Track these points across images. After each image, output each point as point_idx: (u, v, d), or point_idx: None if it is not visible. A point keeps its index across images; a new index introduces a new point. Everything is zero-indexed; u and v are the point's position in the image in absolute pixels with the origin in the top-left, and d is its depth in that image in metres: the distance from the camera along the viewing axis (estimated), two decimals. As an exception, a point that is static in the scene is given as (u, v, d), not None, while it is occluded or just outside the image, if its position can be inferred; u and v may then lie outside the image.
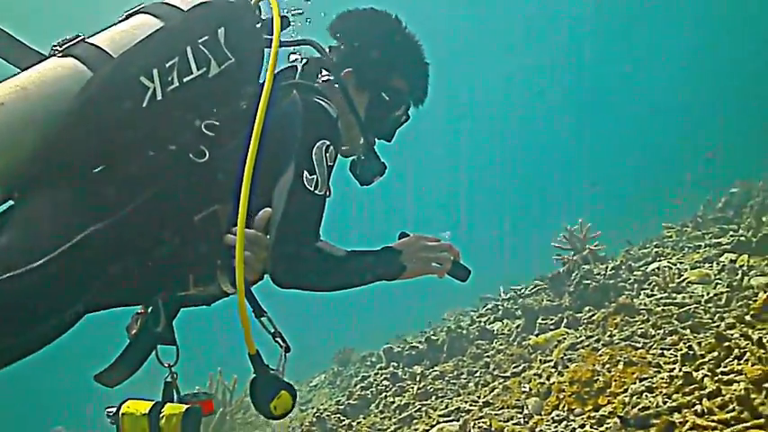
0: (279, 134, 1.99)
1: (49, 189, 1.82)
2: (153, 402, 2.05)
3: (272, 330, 2.03)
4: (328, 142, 2.02)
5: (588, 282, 5.27)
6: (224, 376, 7.22)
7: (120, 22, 2.05)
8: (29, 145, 1.75)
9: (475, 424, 3.35)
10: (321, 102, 2.11)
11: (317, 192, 1.94)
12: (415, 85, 2.39)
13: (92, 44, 1.91)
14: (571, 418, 3.09)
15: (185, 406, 1.99)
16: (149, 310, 2.14)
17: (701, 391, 2.52)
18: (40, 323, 1.74)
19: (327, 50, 2.33)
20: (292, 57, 2.35)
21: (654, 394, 2.81)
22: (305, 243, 1.96)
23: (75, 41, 1.92)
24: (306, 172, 1.93)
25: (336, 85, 2.28)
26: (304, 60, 2.37)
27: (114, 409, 2.07)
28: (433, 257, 2.14)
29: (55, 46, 1.90)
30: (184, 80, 1.94)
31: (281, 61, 2.25)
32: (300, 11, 2.35)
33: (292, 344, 2.08)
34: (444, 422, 3.81)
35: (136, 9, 2.06)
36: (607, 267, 5.50)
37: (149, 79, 1.88)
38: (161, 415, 1.99)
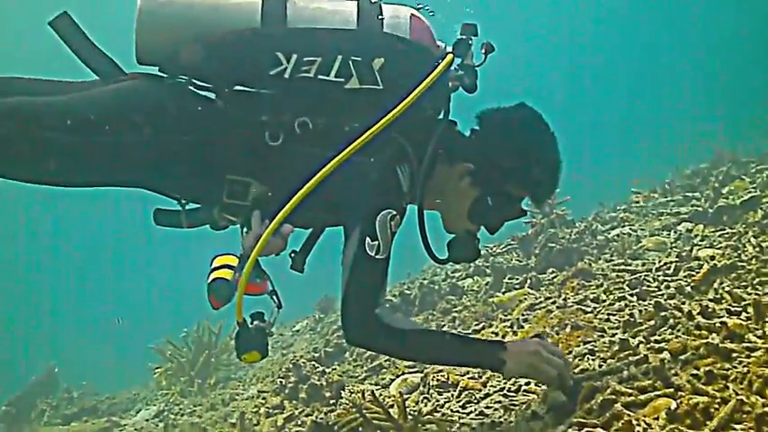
0: (346, 181, 2.20)
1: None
2: (225, 263, 2.34)
3: (271, 289, 2.37)
4: (394, 212, 2.21)
5: (553, 245, 5.51)
6: (211, 321, 7.61)
7: None
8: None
9: (434, 377, 3.62)
10: (399, 171, 2.27)
11: (377, 257, 2.14)
12: (537, 194, 2.52)
13: None
14: (520, 376, 3.34)
15: (219, 277, 2.27)
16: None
17: (633, 358, 2.76)
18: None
19: (468, 133, 2.49)
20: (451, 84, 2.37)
21: (594, 358, 3.05)
22: (365, 307, 2.17)
23: None
24: (368, 238, 2.14)
25: (453, 169, 2.44)
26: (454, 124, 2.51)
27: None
28: (539, 367, 2.31)
29: None
30: (318, 77, 2.18)
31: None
32: (432, 12, 2.43)
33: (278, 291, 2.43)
34: (409, 373, 4.10)
35: None
36: (572, 231, 5.74)
37: (286, 58, 2.16)
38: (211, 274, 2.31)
